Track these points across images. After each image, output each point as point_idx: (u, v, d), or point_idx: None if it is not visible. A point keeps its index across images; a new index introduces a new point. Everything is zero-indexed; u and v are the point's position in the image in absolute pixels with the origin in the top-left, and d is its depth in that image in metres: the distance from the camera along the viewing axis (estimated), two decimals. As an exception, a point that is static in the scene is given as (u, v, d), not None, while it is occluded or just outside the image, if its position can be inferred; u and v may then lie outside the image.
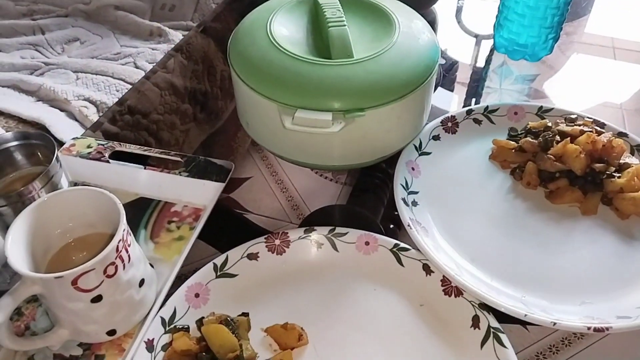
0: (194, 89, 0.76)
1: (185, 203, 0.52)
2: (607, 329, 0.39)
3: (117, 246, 0.37)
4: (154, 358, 0.39)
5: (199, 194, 0.51)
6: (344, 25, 0.50)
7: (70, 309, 0.38)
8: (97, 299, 0.38)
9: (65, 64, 0.88)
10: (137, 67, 0.87)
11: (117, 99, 0.73)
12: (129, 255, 0.39)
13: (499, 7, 0.69)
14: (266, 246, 0.46)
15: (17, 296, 0.35)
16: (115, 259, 0.37)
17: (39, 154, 0.47)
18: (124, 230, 0.38)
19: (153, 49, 0.87)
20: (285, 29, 0.52)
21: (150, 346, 0.40)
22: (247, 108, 0.53)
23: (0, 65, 0.86)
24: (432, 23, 0.70)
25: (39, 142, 0.46)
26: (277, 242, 0.47)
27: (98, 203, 0.40)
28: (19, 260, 0.36)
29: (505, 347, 0.39)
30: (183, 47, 0.75)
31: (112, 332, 0.41)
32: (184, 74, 0.74)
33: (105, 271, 0.37)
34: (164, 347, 0.40)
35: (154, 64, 0.77)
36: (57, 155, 0.44)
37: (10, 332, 0.36)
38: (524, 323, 0.42)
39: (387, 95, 0.47)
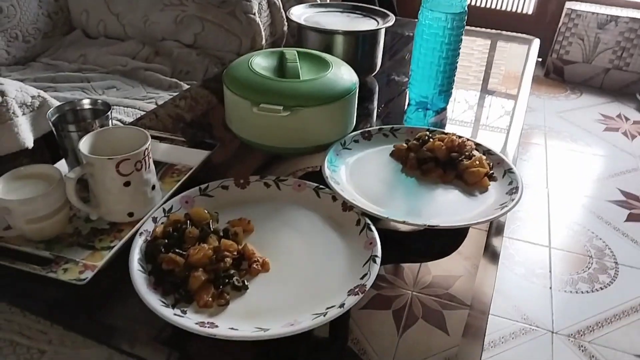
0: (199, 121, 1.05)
1: (183, 164, 0.78)
2: (435, 226, 0.64)
3: (144, 151, 0.63)
4: (155, 227, 0.63)
5: (192, 158, 0.78)
6: (296, 62, 0.81)
7: (109, 188, 0.63)
8: (127, 184, 0.63)
9: (104, 100, 1.18)
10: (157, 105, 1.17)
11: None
12: (149, 163, 0.65)
13: (410, 72, 1.01)
14: (234, 182, 0.72)
15: (82, 168, 0.61)
16: (142, 159, 0.63)
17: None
18: (149, 144, 0.64)
19: (170, 95, 1.18)
20: (261, 62, 0.83)
21: (154, 220, 0.64)
22: (231, 110, 0.81)
23: (55, 97, 1.15)
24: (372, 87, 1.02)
25: (102, 108, 0.74)
26: (242, 181, 0.73)
27: (133, 135, 0.67)
28: (86, 150, 0.62)
29: (372, 231, 0.64)
30: (190, 93, 1.06)
31: (131, 214, 0.65)
32: (190, 110, 1.03)
33: (135, 164, 0.63)
34: (163, 223, 0.64)
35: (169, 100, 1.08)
36: (110, 113, 0.72)
37: (76, 190, 0.61)
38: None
39: (316, 101, 0.76)
